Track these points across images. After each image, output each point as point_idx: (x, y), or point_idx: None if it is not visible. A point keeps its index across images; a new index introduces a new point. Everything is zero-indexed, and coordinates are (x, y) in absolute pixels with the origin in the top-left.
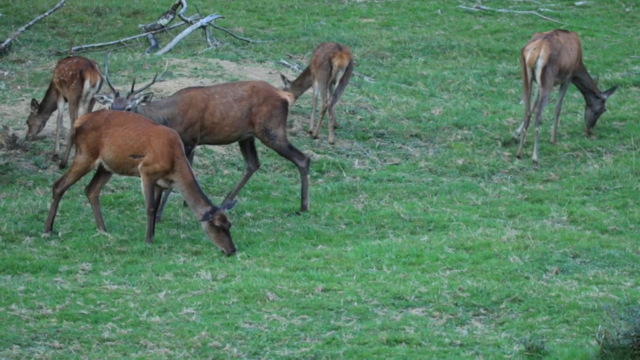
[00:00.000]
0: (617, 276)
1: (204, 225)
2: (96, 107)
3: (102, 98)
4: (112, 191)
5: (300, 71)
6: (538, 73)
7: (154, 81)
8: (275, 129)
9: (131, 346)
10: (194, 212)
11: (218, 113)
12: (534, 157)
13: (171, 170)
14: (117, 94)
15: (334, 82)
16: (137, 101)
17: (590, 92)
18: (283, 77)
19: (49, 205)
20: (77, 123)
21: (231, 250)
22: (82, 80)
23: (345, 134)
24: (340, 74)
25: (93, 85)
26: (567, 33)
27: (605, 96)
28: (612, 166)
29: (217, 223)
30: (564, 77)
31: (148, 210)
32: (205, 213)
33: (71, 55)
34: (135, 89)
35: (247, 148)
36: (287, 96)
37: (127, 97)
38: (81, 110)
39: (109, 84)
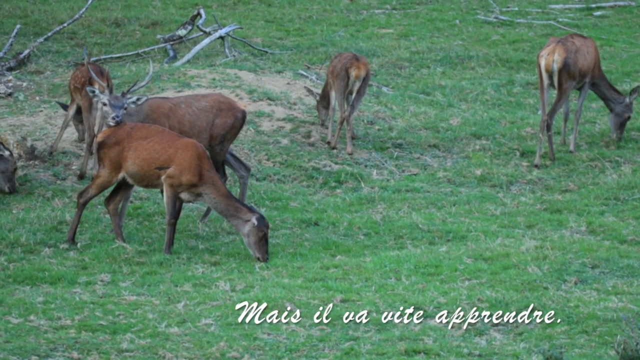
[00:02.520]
0: (636, 286)
1: (247, 229)
2: None
3: (93, 92)
4: (131, 202)
5: (320, 82)
6: (555, 78)
7: (134, 84)
8: (229, 140)
9: (150, 357)
10: (235, 221)
11: (187, 122)
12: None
13: (199, 184)
14: (110, 91)
15: (350, 92)
16: (129, 101)
17: (609, 100)
18: (311, 91)
19: (67, 216)
20: (99, 137)
21: (266, 258)
22: None
23: (363, 144)
24: (357, 85)
25: (101, 92)
26: (584, 38)
27: (627, 99)
28: (630, 176)
29: (264, 230)
30: (581, 80)
31: (169, 221)
32: (258, 218)
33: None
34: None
35: (229, 158)
36: (244, 107)
37: (122, 96)
38: (97, 119)
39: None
